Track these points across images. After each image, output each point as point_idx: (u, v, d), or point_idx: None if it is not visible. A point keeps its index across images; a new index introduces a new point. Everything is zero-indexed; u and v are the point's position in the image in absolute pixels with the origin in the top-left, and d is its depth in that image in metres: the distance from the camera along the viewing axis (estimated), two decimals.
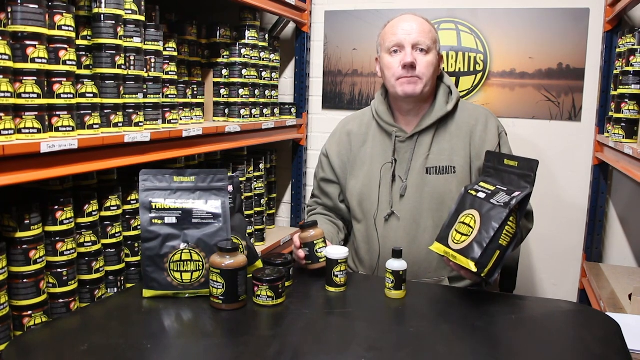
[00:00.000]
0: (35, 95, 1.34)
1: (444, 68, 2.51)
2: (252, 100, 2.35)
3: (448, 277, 1.63)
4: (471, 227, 1.32)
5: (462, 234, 1.33)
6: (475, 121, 1.67)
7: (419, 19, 1.66)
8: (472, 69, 2.53)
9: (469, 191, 1.41)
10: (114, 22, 1.55)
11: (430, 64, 1.62)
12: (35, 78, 1.34)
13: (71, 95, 1.43)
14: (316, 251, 1.49)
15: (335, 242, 1.70)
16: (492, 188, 1.38)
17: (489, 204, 1.33)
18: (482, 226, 1.30)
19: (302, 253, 1.50)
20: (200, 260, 1.35)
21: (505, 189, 1.36)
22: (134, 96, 1.64)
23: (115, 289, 1.70)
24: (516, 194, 1.32)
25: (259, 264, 1.50)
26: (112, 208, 1.68)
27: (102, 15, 1.54)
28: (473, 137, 1.65)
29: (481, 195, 1.37)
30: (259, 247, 2.47)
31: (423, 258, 1.62)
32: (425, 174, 1.63)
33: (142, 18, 1.67)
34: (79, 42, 1.52)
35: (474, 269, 1.27)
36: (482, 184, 1.43)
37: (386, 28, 1.69)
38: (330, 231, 1.70)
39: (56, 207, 1.47)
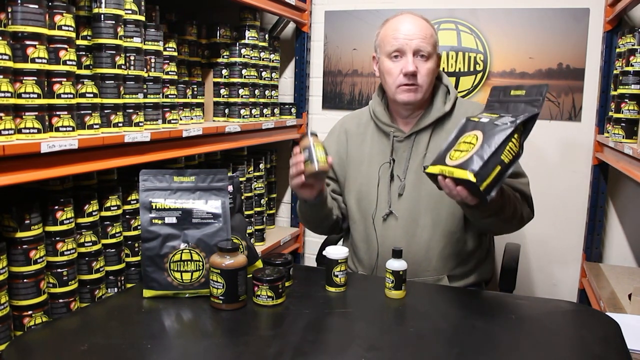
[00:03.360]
0: (35, 95, 1.34)
1: (443, 68, 2.52)
2: (252, 100, 2.35)
3: (448, 275, 1.63)
4: (472, 144, 1.25)
5: (462, 151, 1.26)
6: (472, 114, 1.67)
7: (420, 22, 1.62)
8: (472, 69, 2.53)
9: (471, 119, 1.36)
10: (114, 22, 1.55)
11: (431, 71, 1.61)
12: (35, 78, 1.34)
13: (71, 95, 1.43)
14: (315, 153, 1.43)
15: (329, 204, 1.68)
16: (496, 115, 1.32)
17: (492, 124, 1.27)
18: (485, 142, 1.24)
19: (301, 156, 1.44)
20: (200, 260, 1.35)
21: (511, 114, 1.30)
22: (134, 96, 1.64)
23: (115, 289, 1.70)
24: (522, 115, 1.26)
25: (259, 264, 1.50)
26: (112, 208, 1.68)
27: (102, 15, 1.54)
28: None
29: (484, 120, 1.31)
30: (259, 247, 2.47)
31: (422, 256, 1.62)
32: (423, 173, 1.63)
33: (142, 18, 1.67)
34: (79, 42, 1.52)
35: (473, 179, 1.19)
36: (484, 114, 1.37)
37: (386, 29, 1.66)
38: (330, 201, 1.69)
39: (56, 207, 1.47)
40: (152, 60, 1.74)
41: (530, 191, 1.61)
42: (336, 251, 1.43)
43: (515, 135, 1.24)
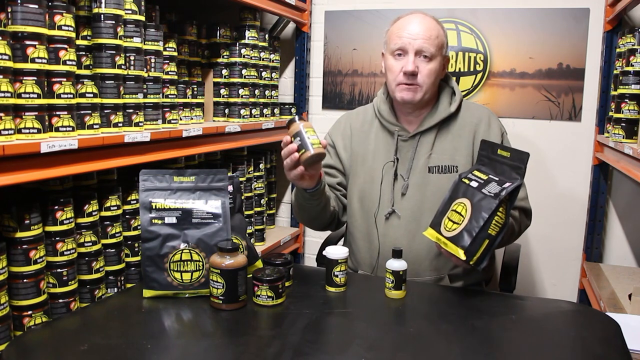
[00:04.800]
0: (35, 95, 1.34)
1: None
2: (252, 100, 2.35)
3: (448, 274, 1.63)
4: (462, 216, 1.36)
5: (454, 222, 1.38)
6: (478, 120, 1.67)
7: (428, 22, 1.62)
8: (472, 69, 2.53)
9: (463, 179, 1.45)
10: (114, 22, 1.55)
11: (433, 71, 1.60)
12: (35, 78, 1.34)
13: (71, 95, 1.43)
14: (308, 138, 1.38)
15: (327, 193, 1.66)
16: (485, 177, 1.42)
17: (480, 193, 1.37)
18: (473, 215, 1.34)
19: (294, 145, 1.38)
20: (200, 260, 1.35)
21: (497, 179, 1.40)
22: (134, 96, 1.64)
23: (115, 289, 1.70)
24: (506, 185, 1.35)
25: (259, 264, 1.50)
26: (112, 208, 1.68)
27: (102, 15, 1.54)
28: (476, 135, 1.65)
29: (474, 184, 1.41)
30: (259, 247, 2.47)
31: (423, 256, 1.62)
32: (428, 173, 1.63)
33: (142, 18, 1.67)
34: (79, 42, 1.52)
35: (463, 257, 1.32)
36: (475, 172, 1.46)
37: (394, 26, 1.66)
38: (330, 195, 1.68)
39: (56, 207, 1.47)
40: (152, 60, 1.73)
41: (529, 203, 1.61)
42: (336, 251, 1.43)
43: (501, 208, 1.34)
